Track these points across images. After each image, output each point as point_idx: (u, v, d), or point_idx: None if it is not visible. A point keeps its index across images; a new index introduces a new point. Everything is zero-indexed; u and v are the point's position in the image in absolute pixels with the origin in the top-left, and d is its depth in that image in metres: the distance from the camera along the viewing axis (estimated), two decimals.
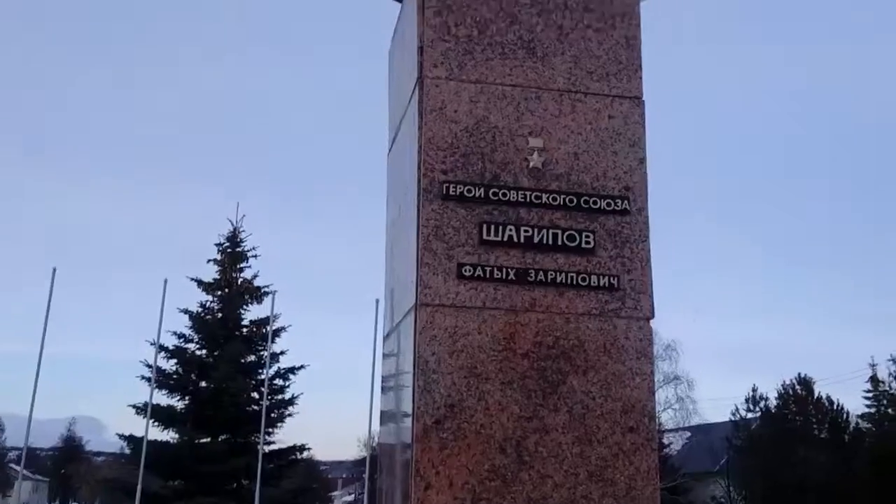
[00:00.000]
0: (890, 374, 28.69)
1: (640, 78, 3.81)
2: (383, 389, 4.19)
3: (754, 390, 36.48)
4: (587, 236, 3.53)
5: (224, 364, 20.54)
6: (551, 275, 3.47)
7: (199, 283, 22.25)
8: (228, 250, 22.86)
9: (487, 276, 3.43)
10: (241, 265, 22.85)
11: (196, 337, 21.74)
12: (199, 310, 22.00)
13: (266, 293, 22.33)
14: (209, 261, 22.72)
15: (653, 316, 3.55)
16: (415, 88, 3.70)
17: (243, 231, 23.17)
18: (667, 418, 35.63)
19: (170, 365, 21.37)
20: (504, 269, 3.45)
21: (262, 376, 21.08)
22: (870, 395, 30.09)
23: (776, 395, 35.15)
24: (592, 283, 3.49)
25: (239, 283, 22.48)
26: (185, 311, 21.74)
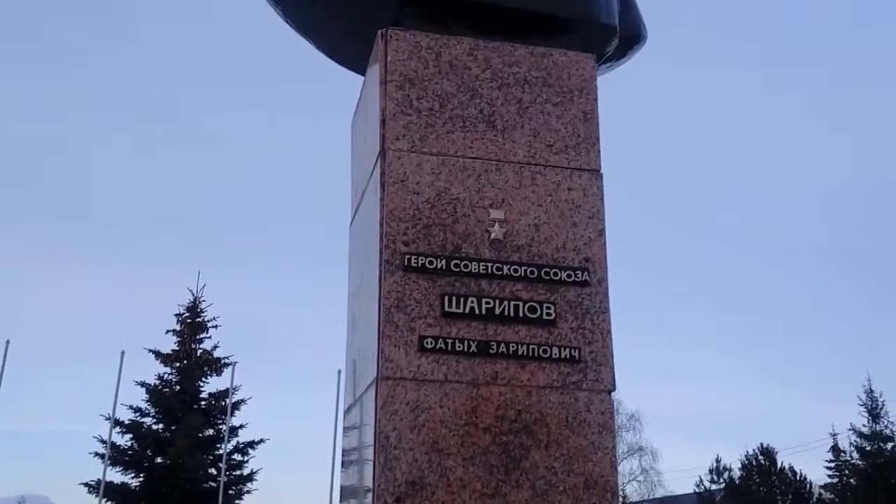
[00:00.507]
0: (851, 444, 28.88)
1: (598, 151, 3.88)
2: (344, 464, 4.10)
3: (718, 461, 36.41)
4: (548, 308, 3.54)
5: (181, 439, 20.03)
6: (513, 347, 3.46)
7: (157, 354, 21.87)
8: (188, 321, 22.56)
9: (449, 348, 3.41)
10: (201, 336, 22.53)
11: (153, 411, 21.25)
12: (157, 382, 21.58)
13: (226, 364, 22.01)
14: (168, 332, 22.39)
15: (614, 388, 3.54)
16: (377, 160, 3.73)
17: (204, 301, 22.94)
18: (632, 490, 35.37)
19: (125, 440, 20.83)
20: (466, 342, 3.43)
21: (221, 451, 20.58)
22: (832, 464, 30.19)
23: (740, 465, 35.11)
24: (554, 356, 3.48)
25: (198, 354, 22.12)
26: (142, 384, 21.30)
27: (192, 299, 22.83)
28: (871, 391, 28.64)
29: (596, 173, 3.84)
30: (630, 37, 4.52)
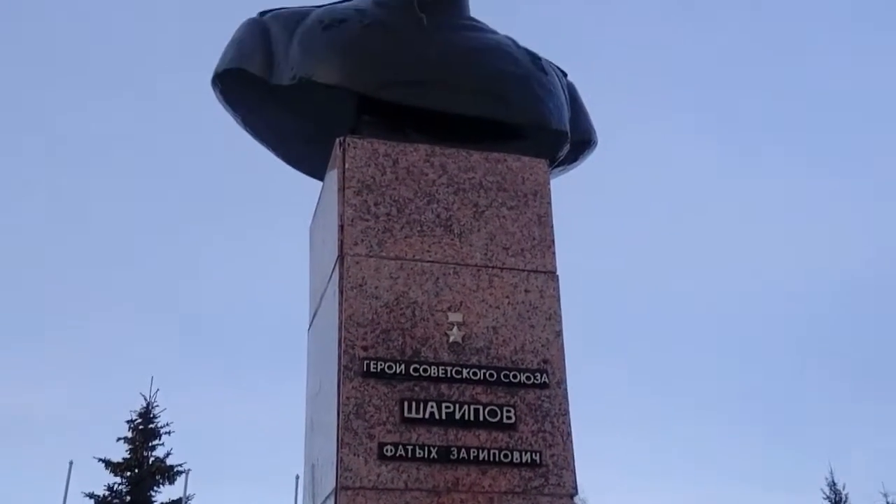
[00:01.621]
0: None
1: (554, 253, 3.96)
2: None
3: None
4: (508, 411, 3.53)
5: None
6: (474, 452, 3.43)
7: (108, 463, 21.08)
8: (140, 427, 21.87)
9: (409, 455, 3.36)
10: (154, 443, 21.82)
11: None
12: (106, 493, 20.72)
13: (179, 472, 21.27)
14: (119, 439, 21.66)
15: (576, 492, 3.51)
16: (336, 265, 3.75)
17: (157, 406, 22.32)
18: None
19: None
20: (426, 448, 3.39)
21: None
22: None
23: None
24: (515, 460, 3.45)
25: (150, 462, 21.37)
26: (91, 496, 20.45)
27: (144, 405, 22.23)
28: (834, 484, 28.60)
29: (552, 275, 3.90)
30: (581, 142, 4.67)
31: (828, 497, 28.46)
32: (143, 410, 22.12)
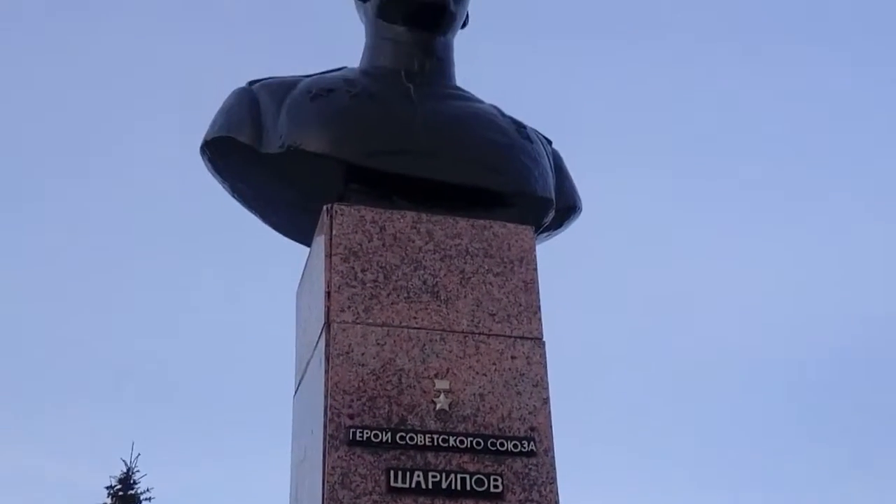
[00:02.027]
0: None
1: (540, 319, 3.97)
2: None
3: None
4: (495, 480, 3.50)
5: None
6: None
7: None
8: (120, 493, 21.40)
9: None
10: None
11: None
12: None
13: None
14: None
15: None
16: (322, 332, 3.75)
17: (138, 471, 21.87)
18: None
19: None
20: None
21: None
22: None
23: None
24: None
25: None
26: None
27: (124, 470, 21.78)
28: None
29: (538, 341, 3.91)
30: (566, 208, 4.74)
31: None
32: (122, 476, 21.67)
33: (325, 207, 4.02)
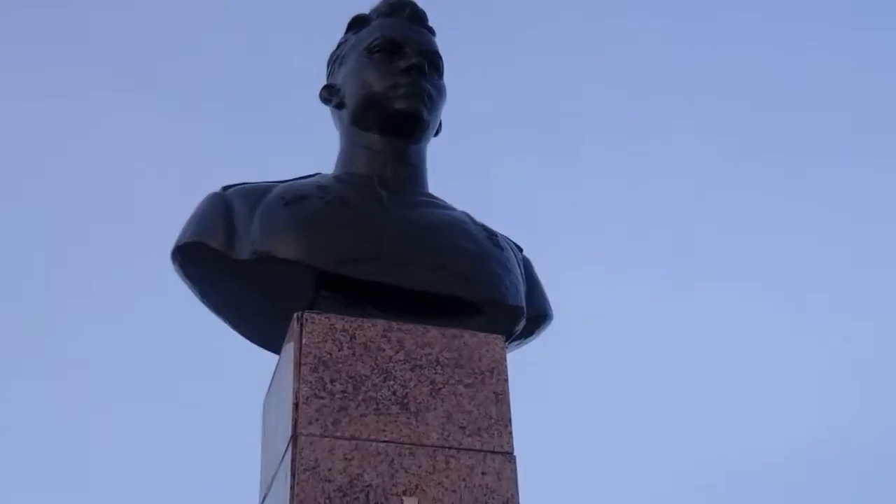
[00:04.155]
0: None
1: (511, 433, 3.92)
2: None
3: None
4: None
5: None
6: None
7: None
8: None
9: None
10: None
11: None
12: None
13: None
14: None
15: None
16: (288, 446, 3.66)
17: None
18: None
19: None
20: None
21: None
22: None
23: None
24: None
25: None
26: None
27: None
28: None
29: (509, 456, 3.84)
30: (537, 316, 4.74)
31: None
32: None
33: (295, 315, 3.98)
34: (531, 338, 4.80)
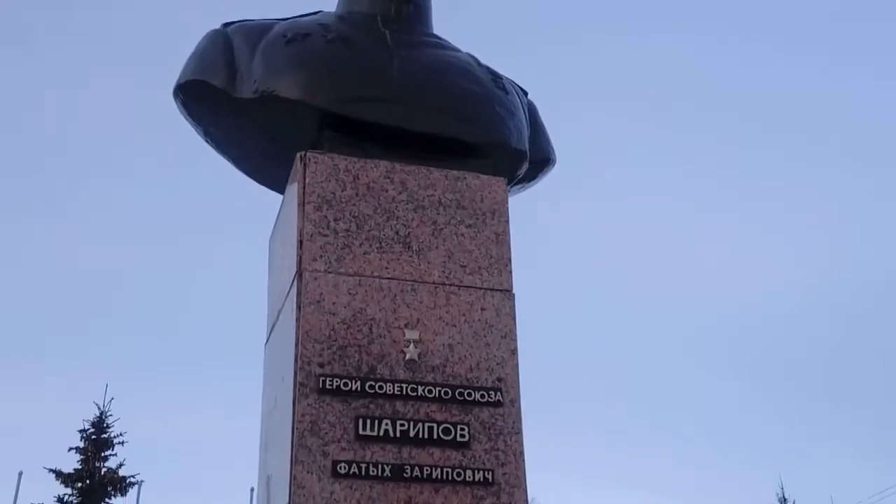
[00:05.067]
0: None
1: (511, 272, 3.99)
2: None
3: None
4: (462, 429, 3.55)
5: None
6: (427, 470, 3.44)
7: (58, 474, 20.65)
8: (93, 437, 21.47)
9: (363, 473, 3.36)
10: (106, 453, 21.43)
11: None
12: None
13: (131, 484, 20.94)
14: (70, 449, 21.24)
15: None
16: (294, 281, 3.75)
17: (111, 415, 21.93)
18: None
19: None
20: (380, 466, 3.40)
21: None
22: None
23: None
24: (468, 479, 3.47)
25: (102, 473, 20.98)
26: None
27: (97, 414, 21.83)
28: (785, 499, 29.01)
29: (508, 293, 3.93)
30: (540, 160, 4.73)
31: None
32: (95, 420, 21.73)
33: (298, 155, 3.98)
34: (534, 182, 4.81)
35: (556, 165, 4.87)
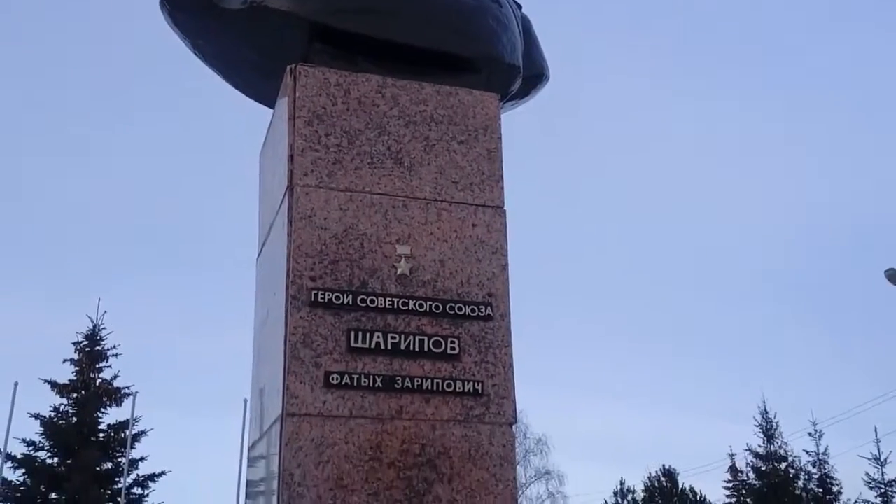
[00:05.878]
0: (747, 463, 29.90)
1: (502, 188, 4.00)
2: (249, 496, 4.06)
3: (622, 483, 37.25)
4: (452, 342, 3.62)
5: (77, 473, 19.24)
6: (417, 381, 3.52)
7: (54, 385, 20.98)
8: (87, 349, 21.73)
9: (355, 384, 3.44)
10: (101, 365, 21.73)
11: (47, 444, 20.33)
12: (52, 414, 20.67)
13: (126, 395, 21.29)
14: (65, 361, 21.52)
15: (515, 421, 3.64)
16: (285, 195, 3.75)
17: (104, 328, 22.15)
18: None
19: (17, 476, 19.83)
20: (371, 377, 3.47)
21: (120, 485, 19.86)
22: (730, 485, 31.19)
23: (643, 487, 35.98)
24: (457, 389, 3.56)
25: (97, 384, 21.32)
26: (36, 417, 20.39)
27: (91, 327, 22.03)
28: (766, 413, 29.78)
29: (499, 210, 3.95)
30: (533, 76, 4.68)
31: (759, 425, 29.72)
32: (89, 332, 21.95)
33: (288, 68, 3.92)
34: (527, 98, 4.77)
35: (549, 82, 4.82)
